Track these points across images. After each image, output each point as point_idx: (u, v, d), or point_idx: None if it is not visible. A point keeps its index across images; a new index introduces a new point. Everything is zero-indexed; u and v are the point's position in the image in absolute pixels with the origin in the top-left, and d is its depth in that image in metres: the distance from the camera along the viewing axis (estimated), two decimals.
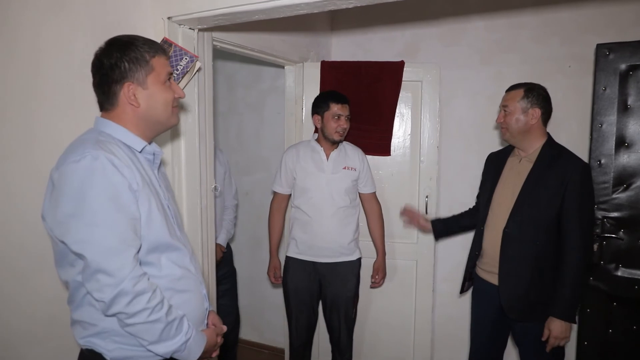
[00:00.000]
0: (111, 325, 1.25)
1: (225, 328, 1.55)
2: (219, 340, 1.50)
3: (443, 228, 2.58)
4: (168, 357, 1.28)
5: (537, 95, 2.09)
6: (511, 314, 2.11)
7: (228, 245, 3.01)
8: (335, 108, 2.56)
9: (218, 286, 2.86)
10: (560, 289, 1.99)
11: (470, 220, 2.47)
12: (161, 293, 1.25)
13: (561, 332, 1.98)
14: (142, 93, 1.31)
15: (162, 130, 1.43)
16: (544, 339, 2.02)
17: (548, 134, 2.15)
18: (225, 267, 2.95)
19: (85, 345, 1.29)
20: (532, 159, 2.11)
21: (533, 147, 2.13)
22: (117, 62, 1.28)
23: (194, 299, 1.40)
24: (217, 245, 2.83)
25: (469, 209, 2.55)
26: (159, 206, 1.32)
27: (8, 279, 1.57)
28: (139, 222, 1.24)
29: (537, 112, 2.08)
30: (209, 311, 1.54)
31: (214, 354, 1.49)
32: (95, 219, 1.15)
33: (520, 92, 2.11)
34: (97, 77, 1.32)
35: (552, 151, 2.08)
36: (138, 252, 1.23)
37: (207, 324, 1.50)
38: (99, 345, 1.27)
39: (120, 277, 1.15)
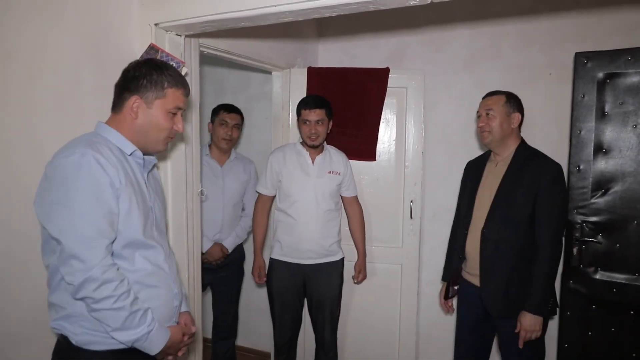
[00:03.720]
0: (80, 310, 1.33)
1: (194, 329, 1.62)
2: (185, 339, 1.55)
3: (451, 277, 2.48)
4: (130, 345, 1.35)
5: (515, 100, 2.22)
6: (493, 312, 2.18)
7: (241, 248, 3.06)
8: (303, 114, 2.62)
9: (220, 286, 2.92)
10: (532, 284, 2.06)
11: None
12: (128, 284, 1.34)
13: (531, 325, 2.06)
14: (145, 111, 1.45)
15: (149, 151, 1.52)
16: (516, 331, 2.10)
17: (522, 137, 2.25)
18: (232, 269, 2.98)
19: (55, 328, 1.39)
20: (507, 162, 2.20)
21: (508, 151, 2.22)
22: (139, 77, 1.44)
23: (163, 296, 1.48)
24: (220, 245, 2.86)
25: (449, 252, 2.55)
26: (140, 206, 1.41)
27: (12, 275, 1.60)
28: (117, 217, 1.34)
29: (518, 116, 2.21)
30: (184, 312, 1.61)
31: (180, 353, 1.54)
32: (75, 208, 1.26)
33: (502, 97, 2.22)
34: (118, 81, 1.48)
35: (526, 152, 2.19)
36: (112, 243, 1.33)
37: (177, 322, 1.56)
38: (67, 328, 1.36)
39: (91, 264, 1.25)
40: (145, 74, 1.43)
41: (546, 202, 2.07)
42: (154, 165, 1.61)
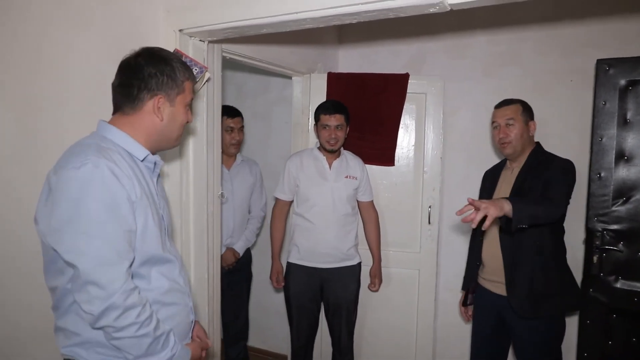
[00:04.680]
0: (96, 337, 1.22)
1: (210, 343, 1.55)
2: (203, 354, 1.49)
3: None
4: None
5: (529, 108, 2.24)
6: (523, 313, 2.13)
7: (248, 250, 3.07)
8: (323, 118, 2.64)
9: (230, 291, 2.92)
10: (528, 200, 2.00)
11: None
12: (150, 307, 1.23)
13: (492, 201, 1.79)
14: (168, 109, 1.35)
15: (164, 149, 1.45)
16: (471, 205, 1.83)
17: (537, 143, 2.27)
18: (240, 272, 3.00)
19: (67, 355, 1.27)
20: (521, 166, 2.23)
21: (525, 157, 2.24)
22: (157, 73, 1.31)
23: (181, 312, 1.39)
24: (232, 250, 2.90)
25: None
26: (154, 217, 1.30)
27: (15, 279, 1.62)
28: (134, 234, 1.22)
29: (534, 124, 2.23)
30: (194, 322, 1.54)
31: None
32: (91, 228, 1.13)
33: (519, 106, 2.23)
34: (126, 79, 1.33)
35: (539, 156, 2.20)
36: (131, 265, 1.21)
37: (191, 336, 1.49)
38: (81, 355, 1.25)
39: (112, 290, 1.13)
40: (164, 69, 1.32)
41: (556, 180, 2.03)
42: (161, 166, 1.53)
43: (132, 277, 1.22)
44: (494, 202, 1.79)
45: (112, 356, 1.24)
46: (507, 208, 1.80)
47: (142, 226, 1.25)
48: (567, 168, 2.12)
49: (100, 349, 1.24)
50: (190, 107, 1.45)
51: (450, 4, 1.50)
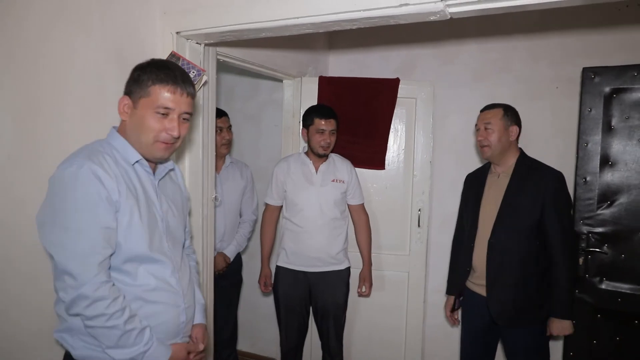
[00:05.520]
0: (79, 324, 1.31)
1: (202, 347, 1.56)
2: (191, 357, 1.51)
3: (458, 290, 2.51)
4: None
5: (513, 113, 2.26)
6: (500, 321, 2.20)
7: (239, 256, 3.05)
8: (318, 123, 2.64)
9: (219, 296, 2.87)
10: (555, 290, 2.12)
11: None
12: (124, 301, 1.30)
13: (562, 329, 2.14)
14: (132, 111, 1.39)
15: (148, 157, 1.43)
16: (547, 334, 2.18)
17: (520, 149, 2.30)
18: (231, 277, 2.98)
19: (58, 340, 1.38)
20: (509, 173, 2.25)
21: (509, 163, 2.27)
22: (130, 77, 1.41)
23: (167, 312, 1.43)
24: (222, 255, 2.88)
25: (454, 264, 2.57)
26: (143, 217, 1.37)
27: (16, 280, 1.61)
28: (114, 231, 1.30)
29: (516, 129, 2.25)
30: (199, 324, 1.59)
31: None
32: (68, 223, 1.24)
33: (500, 110, 2.25)
34: None
35: (527, 163, 2.24)
36: (109, 259, 1.30)
37: (189, 336, 1.54)
38: (67, 342, 1.35)
39: (82, 280, 1.22)
40: (134, 73, 1.40)
41: (555, 210, 2.11)
42: (170, 170, 1.57)
43: (113, 270, 1.32)
44: (563, 330, 2.14)
45: (95, 344, 1.31)
46: (568, 323, 2.14)
47: (126, 224, 1.32)
48: (563, 188, 2.16)
49: (83, 337, 1.32)
50: (172, 117, 1.38)
51: (450, 13, 1.53)
